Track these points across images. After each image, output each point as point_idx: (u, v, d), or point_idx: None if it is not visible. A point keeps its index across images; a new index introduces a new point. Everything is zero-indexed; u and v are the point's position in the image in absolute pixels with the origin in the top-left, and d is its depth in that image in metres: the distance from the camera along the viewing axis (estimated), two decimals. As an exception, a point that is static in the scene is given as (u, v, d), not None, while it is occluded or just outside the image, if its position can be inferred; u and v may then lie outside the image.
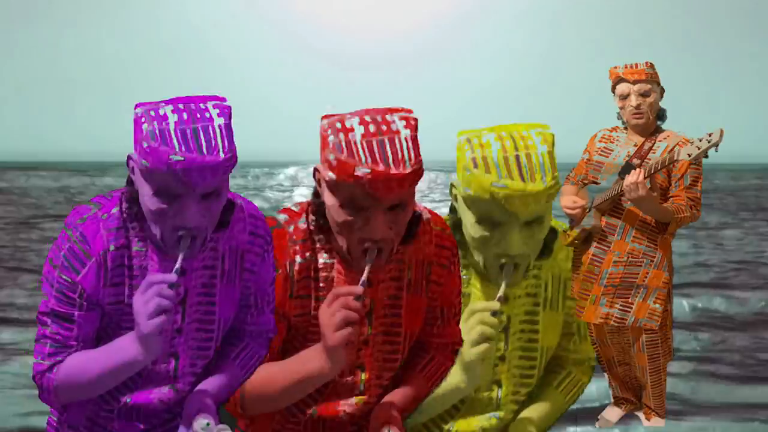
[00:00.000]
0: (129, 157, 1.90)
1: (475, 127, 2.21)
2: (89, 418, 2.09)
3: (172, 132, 1.83)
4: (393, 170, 1.92)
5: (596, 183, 4.56)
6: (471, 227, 2.16)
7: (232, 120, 1.92)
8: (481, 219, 2.13)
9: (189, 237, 1.90)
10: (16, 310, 7.60)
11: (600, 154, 4.57)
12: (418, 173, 1.96)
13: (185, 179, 1.84)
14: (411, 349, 2.26)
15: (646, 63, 4.47)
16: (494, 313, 2.13)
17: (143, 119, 1.85)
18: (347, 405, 2.19)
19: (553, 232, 2.26)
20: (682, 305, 7.96)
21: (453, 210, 2.26)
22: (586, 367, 2.48)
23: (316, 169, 2.03)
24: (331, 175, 1.96)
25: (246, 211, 2.07)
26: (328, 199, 2.01)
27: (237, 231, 2.05)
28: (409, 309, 2.19)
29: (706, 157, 4.17)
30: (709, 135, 4.14)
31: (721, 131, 4.13)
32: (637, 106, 4.43)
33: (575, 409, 5.10)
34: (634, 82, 4.45)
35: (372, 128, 1.94)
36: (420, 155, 1.96)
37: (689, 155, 4.15)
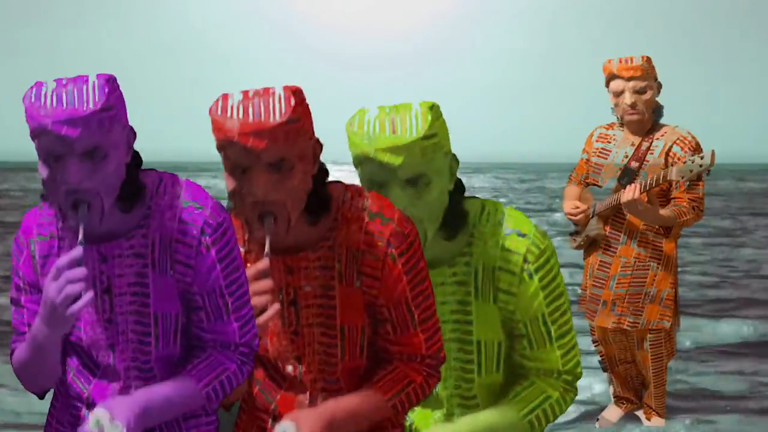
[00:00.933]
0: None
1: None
2: (68, 413, 2.11)
3: (48, 94, 1.90)
4: (262, 121, 1.96)
5: (597, 185, 4.55)
6: None
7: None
8: (368, 183, 2.17)
9: (81, 202, 1.92)
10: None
11: (598, 156, 4.55)
12: (292, 127, 1.98)
13: (58, 134, 1.88)
14: (375, 359, 2.18)
15: (643, 57, 4.41)
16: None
17: (26, 93, 1.94)
18: (300, 401, 2.16)
19: (458, 213, 2.24)
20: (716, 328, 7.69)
21: None
22: (553, 380, 2.29)
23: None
24: (214, 142, 2.03)
25: (183, 196, 2.03)
26: (225, 174, 2.05)
27: (167, 218, 2.02)
28: (343, 301, 2.11)
29: (700, 179, 4.19)
30: (701, 157, 4.13)
31: (713, 154, 4.11)
32: (632, 104, 4.39)
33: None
34: (629, 79, 4.40)
35: (251, 94, 2.02)
36: (296, 113, 1.99)
37: (682, 177, 4.14)
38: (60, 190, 1.91)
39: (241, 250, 2.15)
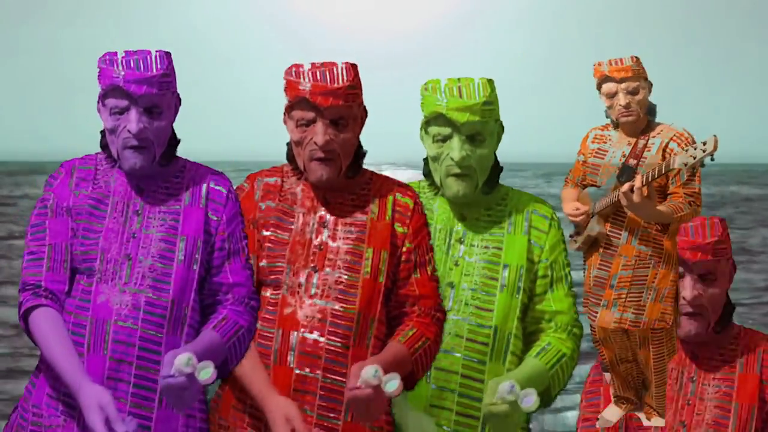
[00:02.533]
0: (98, 110, 2.43)
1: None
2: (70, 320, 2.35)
3: (119, 60, 2.38)
4: (329, 84, 2.47)
5: (595, 186, 4.54)
6: (429, 150, 2.70)
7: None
8: (434, 138, 2.67)
9: (138, 147, 2.36)
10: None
11: (595, 156, 4.53)
12: (351, 92, 2.50)
13: (126, 89, 2.35)
14: (393, 323, 2.54)
15: (632, 58, 4.41)
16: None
17: (101, 58, 2.40)
18: (304, 312, 2.47)
19: (496, 173, 2.74)
20: None
21: (425, 173, 2.77)
22: (565, 336, 2.72)
23: (284, 114, 2.56)
24: (286, 100, 2.53)
25: (210, 170, 2.50)
26: (289, 128, 2.55)
27: (201, 172, 2.48)
28: (374, 230, 2.54)
29: (703, 165, 4.13)
30: (704, 144, 4.08)
31: (715, 139, 4.07)
32: (626, 105, 4.37)
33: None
34: (621, 80, 4.39)
35: (318, 64, 2.52)
36: (355, 82, 2.51)
37: (685, 164, 4.11)
38: (121, 137, 2.36)
39: (287, 184, 2.59)
